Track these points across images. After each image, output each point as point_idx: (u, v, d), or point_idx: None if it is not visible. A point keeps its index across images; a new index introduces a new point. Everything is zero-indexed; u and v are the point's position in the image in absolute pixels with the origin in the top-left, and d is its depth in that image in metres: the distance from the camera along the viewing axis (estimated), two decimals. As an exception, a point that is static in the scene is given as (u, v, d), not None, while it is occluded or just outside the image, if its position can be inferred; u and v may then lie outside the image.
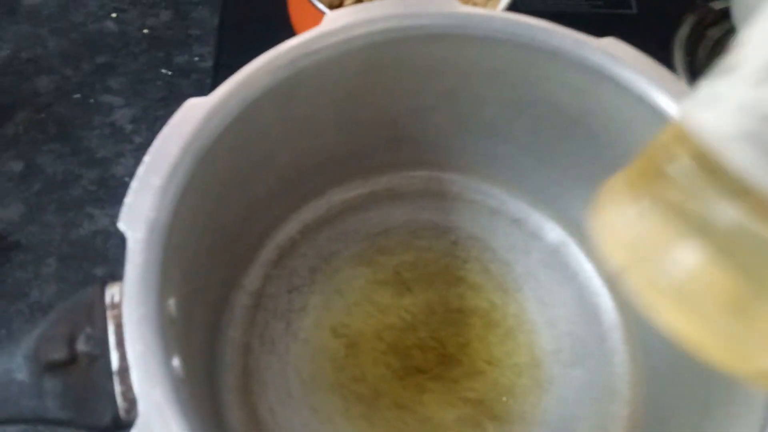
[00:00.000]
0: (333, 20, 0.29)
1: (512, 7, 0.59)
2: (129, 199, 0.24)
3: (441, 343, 0.37)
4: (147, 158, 0.25)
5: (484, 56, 0.31)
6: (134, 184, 0.24)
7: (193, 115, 0.25)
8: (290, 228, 0.38)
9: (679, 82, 0.28)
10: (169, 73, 0.57)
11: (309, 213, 0.39)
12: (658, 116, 0.28)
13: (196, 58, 0.58)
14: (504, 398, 0.35)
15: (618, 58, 0.29)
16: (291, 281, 0.37)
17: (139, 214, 0.23)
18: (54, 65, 0.57)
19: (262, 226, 0.36)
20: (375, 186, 0.40)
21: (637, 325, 0.36)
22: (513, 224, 0.40)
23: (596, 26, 0.59)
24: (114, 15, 0.60)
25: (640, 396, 0.34)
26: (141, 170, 0.24)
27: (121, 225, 0.23)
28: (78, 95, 0.56)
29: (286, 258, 0.38)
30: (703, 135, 0.15)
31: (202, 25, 0.60)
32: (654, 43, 0.59)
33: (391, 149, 0.39)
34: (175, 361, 0.23)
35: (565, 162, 0.36)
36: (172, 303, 0.24)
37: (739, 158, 0.14)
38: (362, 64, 0.30)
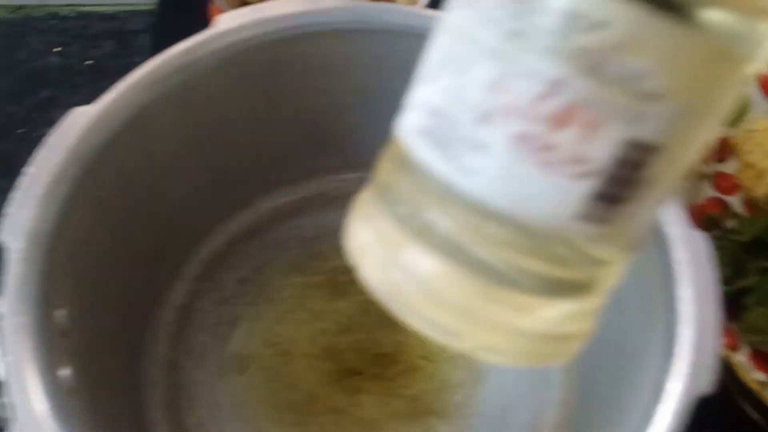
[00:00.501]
0: (226, 21, 0.29)
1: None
2: (11, 209, 0.23)
3: (377, 343, 0.36)
4: (30, 169, 0.24)
5: (389, 50, 0.31)
6: (17, 195, 0.24)
7: (77, 124, 0.25)
8: (217, 240, 0.38)
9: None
10: (111, 101, 0.57)
11: (236, 223, 0.38)
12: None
13: (137, 85, 0.58)
14: (440, 392, 0.35)
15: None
16: (219, 294, 0.37)
17: (20, 224, 0.23)
18: (-2, 103, 0.57)
19: (184, 240, 0.36)
20: (305, 192, 0.40)
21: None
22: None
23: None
24: (57, 50, 0.61)
25: (573, 380, 0.33)
26: (24, 181, 0.24)
27: (2, 236, 0.23)
28: (22, 130, 0.56)
29: (213, 271, 0.37)
30: (401, 137, 0.16)
31: (145, 52, 0.60)
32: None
33: (317, 152, 0.39)
34: (64, 372, 0.22)
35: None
36: (62, 314, 0.24)
37: (420, 153, 0.14)
38: (264, 63, 0.30)
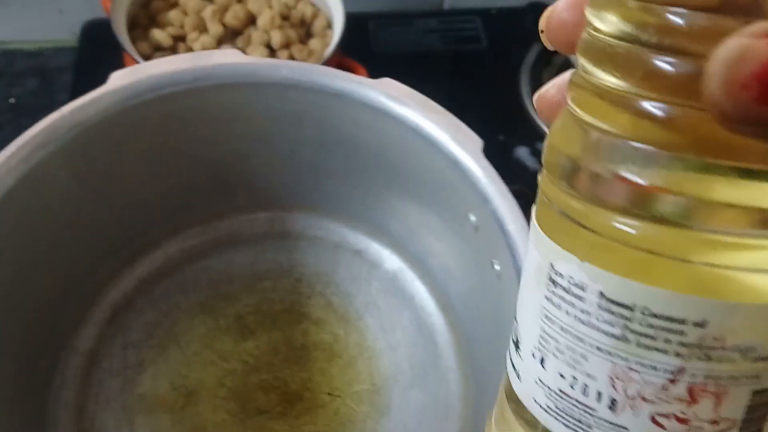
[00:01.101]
0: (119, 78, 0.30)
1: (368, 49, 0.62)
2: None
3: (284, 382, 0.37)
4: None
5: (280, 101, 0.33)
6: None
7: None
8: (125, 284, 0.38)
9: (446, 114, 0.30)
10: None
11: (144, 267, 0.39)
12: (432, 145, 0.30)
13: (58, 124, 0.58)
14: (344, 427, 0.36)
15: (393, 96, 0.31)
16: (127, 338, 0.37)
17: None
18: None
19: (91, 285, 0.36)
20: (215, 233, 0.41)
21: (466, 343, 0.37)
22: (355, 256, 0.42)
23: (449, 61, 0.63)
24: (-23, 89, 0.60)
25: (470, 411, 0.35)
26: None
27: None
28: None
29: (121, 315, 0.38)
30: (526, 403, 0.15)
31: (66, 89, 0.61)
32: (503, 72, 0.63)
33: (225, 195, 0.40)
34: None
35: (384, 194, 0.37)
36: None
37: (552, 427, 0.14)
38: (159, 116, 0.31)
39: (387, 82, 0.31)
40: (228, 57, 0.31)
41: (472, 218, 0.30)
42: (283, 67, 0.32)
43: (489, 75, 0.62)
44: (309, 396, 0.37)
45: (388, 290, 0.40)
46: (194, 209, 0.40)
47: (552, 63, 0.63)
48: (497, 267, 0.29)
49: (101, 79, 0.60)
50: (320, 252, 0.42)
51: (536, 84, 0.61)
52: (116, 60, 0.59)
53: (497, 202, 0.28)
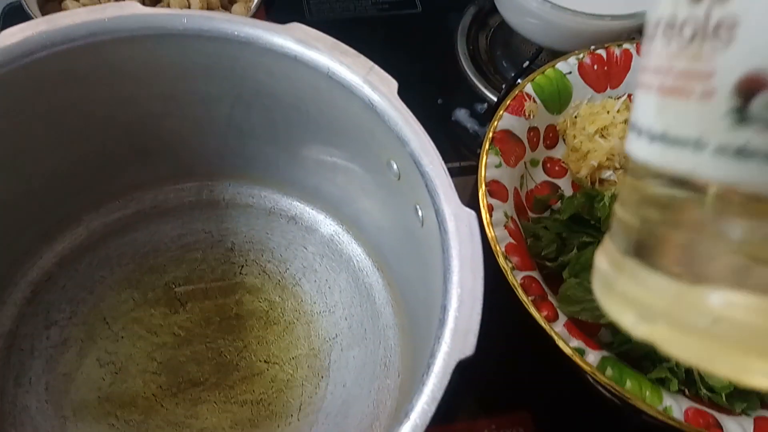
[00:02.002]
0: (10, 35, 0.28)
1: (301, 16, 0.60)
2: None
3: (218, 353, 0.36)
4: None
5: (185, 54, 0.31)
6: None
7: None
8: (44, 261, 0.36)
9: (358, 57, 0.29)
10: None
11: (65, 242, 0.37)
12: (346, 90, 0.29)
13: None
14: (282, 393, 0.35)
15: (302, 41, 0.30)
16: (49, 317, 0.35)
17: None
18: None
19: (7, 263, 0.35)
20: (139, 205, 0.39)
21: (402, 298, 0.36)
22: (289, 222, 0.40)
23: (384, 27, 0.62)
24: None
25: (408, 364, 0.34)
26: None
27: None
28: None
29: (42, 293, 0.36)
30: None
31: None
32: (440, 36, 0.62)
33: (144, 164, 0.38)
34: None
35: (306, 152, 0.36)
36: None
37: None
38: (58, 75, 0.30)
39: (295, 26, 0.30)
40: (124, 9, 0.29)
41: (394, 166, 0.30)
42: (184, 16, 0.30)
43: (425, 39, 0.61)
44: (245, 365, 0.36)
45: (324, 254, 0.39)
46: (114, 180, 0.38)
47: (487, 24, 0.62)
48: (421, 213, 0.28)
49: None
50: (252, 220, 0.40)
51: (472, 46, 0.60)
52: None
53: (414, 144, 0.27)
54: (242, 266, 0.39)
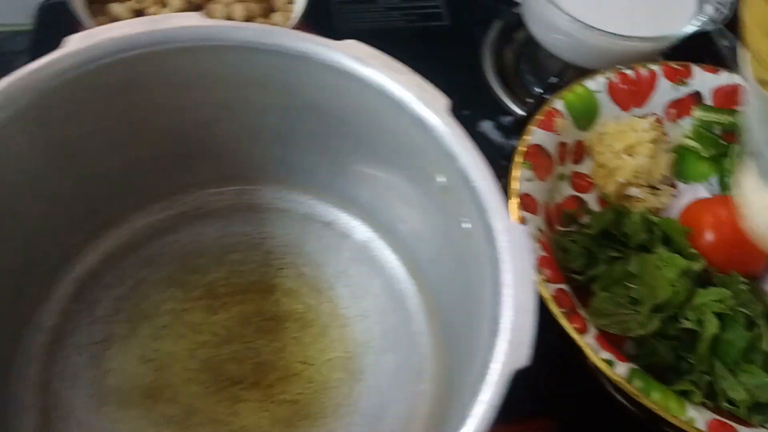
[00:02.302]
0: (76, 41, 0.29)
1: (330, 26, 0.61)
2: None
3: (257, 352, 0.37)
4: None
5: (242, 66, 0.33)
6: None
7: None
8: (90, 259, 0.38)
9: (412, 74, 0.31)
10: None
11: (110, 241, 0.38)
12: (398, 106, 0.30)
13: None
14: (318, 394, 0.36)
15: (358, 57, 0.31)
16: (93, 313, 0.36)
17: None
18: None
19: (53, 259, 0.36)
20: (182, 207, 0.40)
21: (436, 306, 0.37)
22: (325, 227, 0.42)
23: (413, 39, 0.63)
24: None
25: (442, 372, 0.35)
26: None
27: None
28: None
29: (86, 290, 0.37)
30: None
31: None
32: (466, 49, 0.63)
33: (189, 167, 0.39)
34: None
35: (350, 163, 0.37)
36: None
37: None
38: (116, 83, 0.31)
39: (351, 43, 0.31)
40: (188, 20, 0.31)
41: (440, 179, 0.31)
42: (243, 30, 0.31)
43: (452, 52, 0.62)
44: (282, 365, 0.37)
45: (358, 259, 0.41)
46: (159, 183, 0.39)
47: (513, 39, 0.63)
48: (466, 225, 0.29)
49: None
50: (289, 224, 0.42)
51: (498, 60, 0.61)
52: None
53: (464, 160, 0.28)
54: (279, 269, 0.40)
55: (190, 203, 0.41)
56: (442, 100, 0.30)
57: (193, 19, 0.30)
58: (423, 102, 0.30)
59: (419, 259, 0.38)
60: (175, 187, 0.40)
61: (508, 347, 0.23)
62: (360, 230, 0.41)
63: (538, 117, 0.45)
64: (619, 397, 0.40)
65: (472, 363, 0.27)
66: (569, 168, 0.47)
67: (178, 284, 0.39)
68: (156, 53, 0.30)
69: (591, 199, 0.47)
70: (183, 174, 0.39)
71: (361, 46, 0.31)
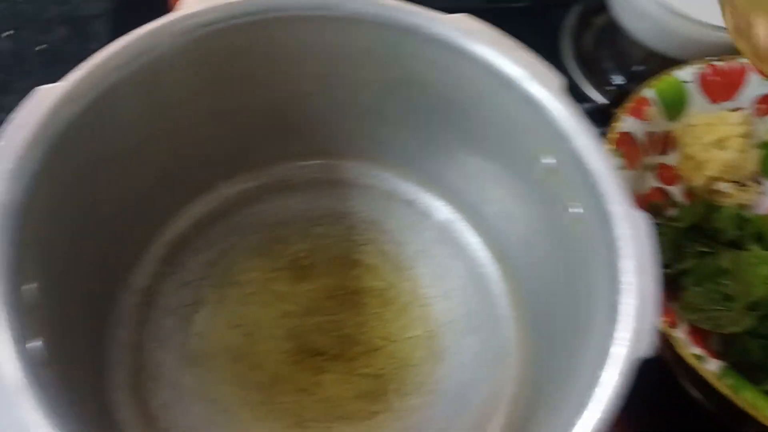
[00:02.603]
0: (191, 4, 0.29)
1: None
2: (-23, 183, 0.23)
3: (339, 325, 0.37)
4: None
5: (349, 37, 0.32)
6: (-17, 170, 0.24)
7: (43, 101, 0.25)
8: (181, 223, 0.38)
9: (524, 51, 0.30)
10: (67, 87, 0.56)
11: (201, 207, 0.39)
12: (508, 85, 0.30)
13: (94, 71, 0.57)
14: (401, 370, 0.36)
15: (469, 32, 0.30)
16: (183, 277, 0.37)
17: (-12, 197, 0.23)
18: (-55, 87, 0.55)
19: (148, 223, 0.36)
20: (268, 178, 0.41)
21: (522, 289, 0.37)
22: (406, 206, 0.41)
23: (491, 19, 0.62)
24: (7, 33, 0.59)
25: (528, 356, 0.35)
26: (-8, 156, 0.24)
27: (-29, 208, 0.23)
28: (-29, 115, 0.54)
29: (177, 254, 0.38)
30: None
31: (99, 37, 0.60)
32: (544, 32, 0.62)
33: (279, 139, 0.39)
34: (35, 345, 0.23)
35: (442, 140, 0.37)
36: (32, 288, 0.24)
37: None
38: (228, 48, 0.31)
39: (461, 17, 0.31)
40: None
41: (547, 160, 0.30)
42: (353, 1, 0.31)
43: (530, 34, 0.60)
44: (364, 340, 0.37)
45: (440, 239, 0.40)
46: (249, 153, 0.39)
47: (593, 24, 0.62)
48: (575, 210, 0.29)
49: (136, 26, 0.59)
50: (372, 200, 0.41)
51: (577, 45, 0.60)
52: (150, 5, 0.58)
53: (579, 141, 0.28)
54: (362, 245, 0.40)
55: (276, 175, 0.41)
56: (555, 79, 0.29)
57: (306, -13, 0.30)
58: (536, 80, 0.29)
59: (506, 242, 0.38)
60: (262, 158, 0.40)
61: (633, 335, 0.23)
62: (442, 210, 0.41)
63: (629, 104, 0.43)
64: (695, 393, 0.39)
65: (579, 349, 0.27)
66: (655, 159, 0.46)
67: (263, 253, 0.39)
68: (267, 20, 0.30)
69: (677, 192, 0.46)
70: (271, 145, 0.40)
71: (471, 20, 0.31)
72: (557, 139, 0.28)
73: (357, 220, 0.41)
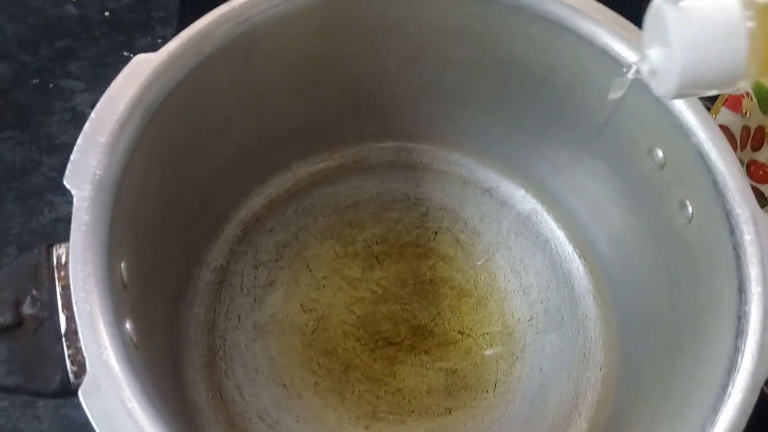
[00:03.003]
0: (289, -23, 0.28)
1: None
2: (74, 156, 0.23)
3: (413, 315, 0.36)
4: (93, 115, 0.23)
5: (445, 14, 0.31)
6: (79, 142, 0.23)
7: (140, 71, 0.24)
8: (255, 202, 0.37)
9: (640, 33, 0.28)
10: (131, 55, 0.55)
11: (275, 187, 0.38)
12: (620, 67, 0.28)
13: (159, 40, 0.56)
14: (477, 367, 0.35)
15: (579, 10, 0.28)
16: (257, 257, 0.36)
17: (85, 172, 0.22)
18: (12, 51, 0.55)
19: (224, 200, 0.35)
20: (343, 158, 0.39)
21: (609, 289, 0.35)
22: (484, 194, 0.40)
23: None
24: None
25: (613, 359, 0.33)
26: (86, 127, 0.23)
27: (66, 182, 0.22)
28: (36, 81, 0.54)
29: (251, 233, 0.37)
30: None
31: (165, 6, 0.59)
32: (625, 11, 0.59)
33: (356, 119, 0.38)
34: (128, 326, 0.22)
35: (533, 125, 0.35)
36: (123, 267, 0.23)
37: None
38: (320, 22, 0.29)
39: (573, -6, 0.29)
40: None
41: (659, 154, 0.28)
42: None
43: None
44: (439, 332, 0.36)
45: (519, 231, 0.39)
46: (325, 132, 0.38)
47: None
48: (687, 208, 0.27)
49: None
50: (447, 187, 0.40)
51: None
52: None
53: (702, 135, 0.25)
54: (436, 232, 0.39)
55: (351, 156, 0.40)
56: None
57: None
58: (655, 68, 0.27)
59: (595, 237, 0.36)
60: (337, 137, 0.39)
61: (762, 350, 0.21)
62: (523, 200, 0.39)
63: (726, 96, 0.41)
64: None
65: (689, 359, 0.25)
66: (747, 155, 0.43)
67: (336, 236, 0.38)
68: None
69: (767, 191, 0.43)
70: (347, 125, 0.38)
71: (583, -1, 0.29)
72: (676, 132, 0.26)
73: (431, 207, 0.39)
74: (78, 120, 0.52)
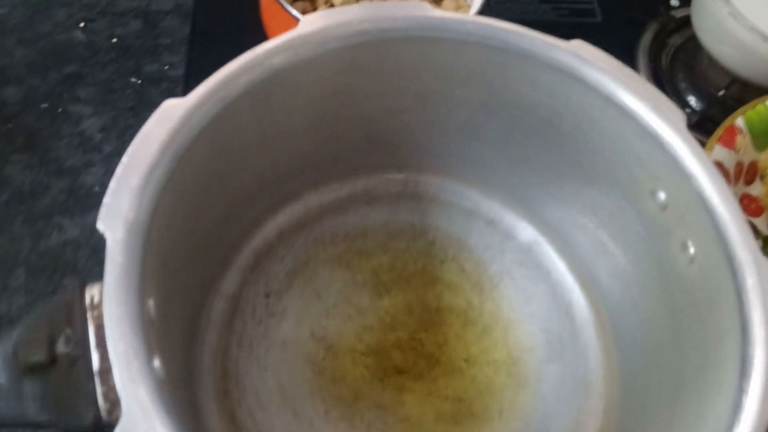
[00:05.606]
0: (309, 23, 0.29)
1: (481, 15, 0.60)
2: (107, 199, 0.23)
3: (420, 343, 0.37)
4: (125, 159, 0.24)
5: (457, 58, 0.32)
6: (112, 185, 0.24)
7: (171, 116, 0.25)
8: (267, 232, 0.38)
9: (644, 83, 0.29)
10: (139, 81, 0.57)
11: (286, 216, 0.39)
12: (626, 115, 0.29)
13: (166, 67, 0.57)
14: (482, 395, 0.36)
15: (586, 60, 0.30)
16: (268, 285, 0.37)
17: (118, 214, 0.23)
18: (21, 75, 0.56)
19: (238, 230, 0.36)
20: (352, 189, 0.41)
21: (610, 320, 0.36)
22: (488, 225, 0.41)
23: (562, 34, 0.61)
24: (82, 24, 0.60)
25: (614, 390, 0.35)
26: (119, 170, 0.24)
27: (100, 225, 0.23)
28: (45, 105, 0.55)
29: (263, 262, 0.38)
30: None
31: (172, 33, 0.60)
32: (618, 50, 0.60)
33: (366, 151, 0.39)
34: (156, 362, 0.23)
35: (536, 162, 0.37)
36: (151, 304, 0.24)
37: None
38: (339, 65, 0.31)
39: (578, 44, 0.30)
40: (416, 10, 0.30)
41: (661, 196, 0.30)
42: (469, 23, 0.30)
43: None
44: (445, 360, 0.37)
45: (522, 262, 0.40)
46: (337, 164, 0.39)
47: (668, 44, 0.61)
48: (689, 250, 0.28)
49: (209, 24, 0.59)
50: (453, 218, 0.41)
51: (653, 64, 0.59)
52: (224, 3, 0.58)
53: (703, 181, 0.27)
54: (442, 261, 0.40)
55: (360, 187, 0.41)
56: (678, 113, 0.28)
57: (420, 9, 0.30)
58: (657, 114, 0.28)
59: (595, 270, 0.37)
60: (347, 169, 0.40)
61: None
62: (526, 231, 0.40)
63: (720, 132, 0.42)
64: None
65: (692, 396, 0.26)
66: (740, 189, 0.45)
67: (345, 265, 0.39)
68: (381, 41, 0.30)
69: (761, 224, 0.45)
70: (358, 158, 0.39)
71: (588, 47, 0.30)
72: (677, 176, 0.28)
73: (437, 237, 0.41)
74: (86, 144, 0.53)
